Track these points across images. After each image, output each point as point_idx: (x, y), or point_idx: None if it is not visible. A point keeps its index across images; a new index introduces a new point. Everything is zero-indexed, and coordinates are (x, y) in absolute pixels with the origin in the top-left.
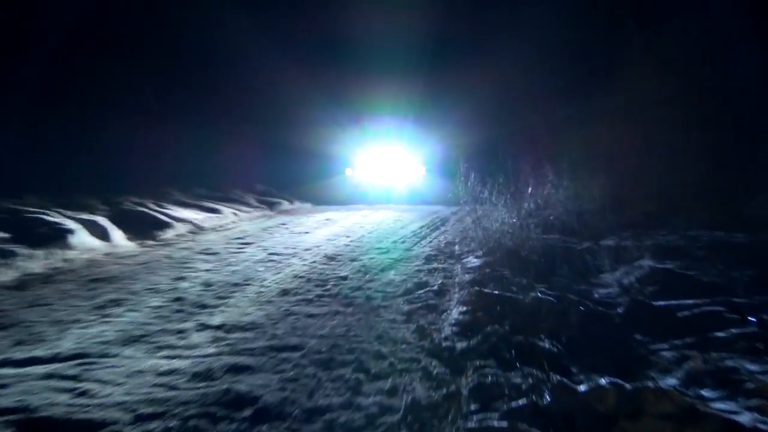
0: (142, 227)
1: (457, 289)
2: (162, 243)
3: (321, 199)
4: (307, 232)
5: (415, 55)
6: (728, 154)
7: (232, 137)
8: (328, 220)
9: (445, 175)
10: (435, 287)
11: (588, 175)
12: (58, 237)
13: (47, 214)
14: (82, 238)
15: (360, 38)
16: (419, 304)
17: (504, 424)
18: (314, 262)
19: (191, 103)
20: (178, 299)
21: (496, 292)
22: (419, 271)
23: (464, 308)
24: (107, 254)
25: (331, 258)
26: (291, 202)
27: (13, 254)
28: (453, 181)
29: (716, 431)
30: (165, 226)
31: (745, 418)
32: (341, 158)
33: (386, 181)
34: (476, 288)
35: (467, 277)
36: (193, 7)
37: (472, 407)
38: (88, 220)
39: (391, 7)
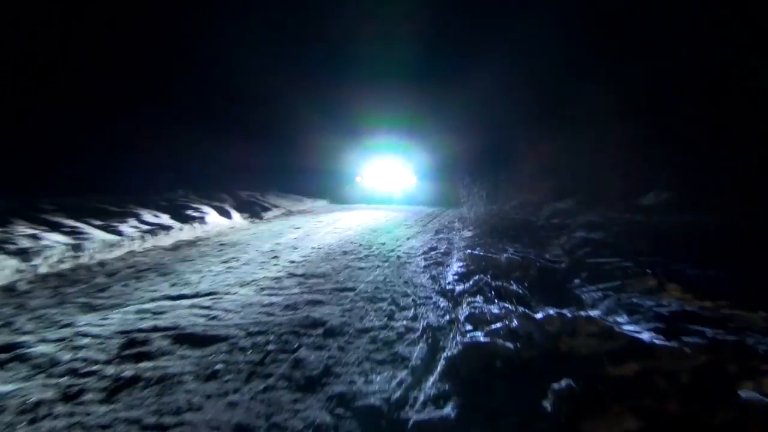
0: (253, 210)
1: (456, 251)
2: (265, 221)
3: (341, 200)
4: (374, 208)
5: (405, 84)
6: (630, 164)
7: (284, 159)
8: (368, 207)
9: (432, 182)
10: (442, 250)
11: (541, 177)
12: (198, 217)
13: (192, 202)
14: (213, 217)
15: (362, 77)
16: (431, 261)
17: (487, 339)
18: (363, 232)
19: (263, 139)
20: (275, 257)
21: (482, 253)
22: (432, 239)
23: (461, 263)
24: (230, 228)
25: (374, 230)
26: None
27: (170, 227)
28: (439, 186)
29: (625, 344)
30: (267, 209)
31: (645, 336)
32: (351, 170)
33: (387, 187)
34: (469, 251)
35: (462, 243)
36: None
37: (466, 328)
38: (218, 206)
39: (387, 46)
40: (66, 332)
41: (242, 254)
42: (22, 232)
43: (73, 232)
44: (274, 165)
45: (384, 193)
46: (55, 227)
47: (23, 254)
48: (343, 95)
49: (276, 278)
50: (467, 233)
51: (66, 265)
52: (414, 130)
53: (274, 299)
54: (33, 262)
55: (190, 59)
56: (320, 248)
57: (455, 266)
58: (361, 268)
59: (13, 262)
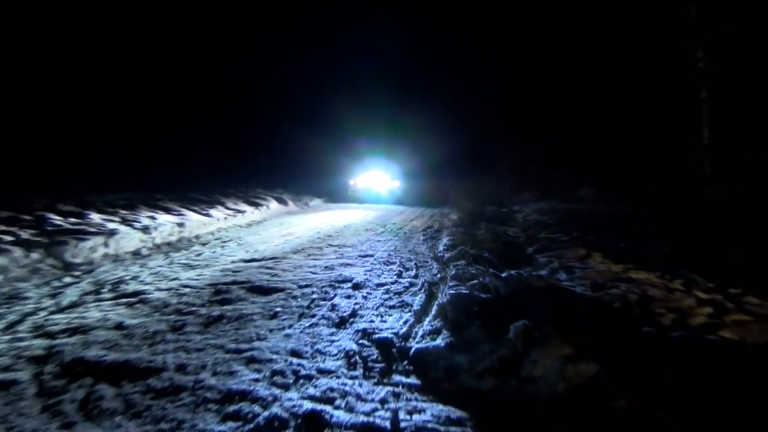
0: (301, 199)
1: (445, 229)
2: (311, 208)
3: (342, 200)
4: (368, 206)
5: (394, 106)
6: (567, 168)
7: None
8: (364, 205)
9: (415, 184)
10: (435, 228)
11: (505, 177)
12: (265, 204)
13: (260, 193)
14: (275, 205)
15: (357, 100)
16: (428, 235)
17: (467, 291)
18: (378, 215)
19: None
20: (318, 232)
21: (463, 230)
22: (428, 220)
23: (449, 238)
24: (287, 212)
25: (387, 212)
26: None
27: (245, 211)
28: (421, 188)
29: (564, 294)
30: (311, 200)
31: (577, 289)
32: (347, 176)
33: (376, 189)
34: (454, 228)
35: (450, 223)
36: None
37: (452, 283)
38: (278, 197)
39: (379, 75)
40: (173, 284)
41: (294, 230)
42: (144, 214)
43: (178, 214)
44: (295, 173)
45: (373, 195)
46: (167, 211)
47: (145, 229)
48: (342, 120)
49: (318, 248)
50: (453, 217)
51: (173, 237)
52: (400, 141)
53: (317, 262)
54: (152, 235)
55: (253, 100)
56: (349, 226)
57: (445, 240)
58: (378, 241)
59: (138, 235)
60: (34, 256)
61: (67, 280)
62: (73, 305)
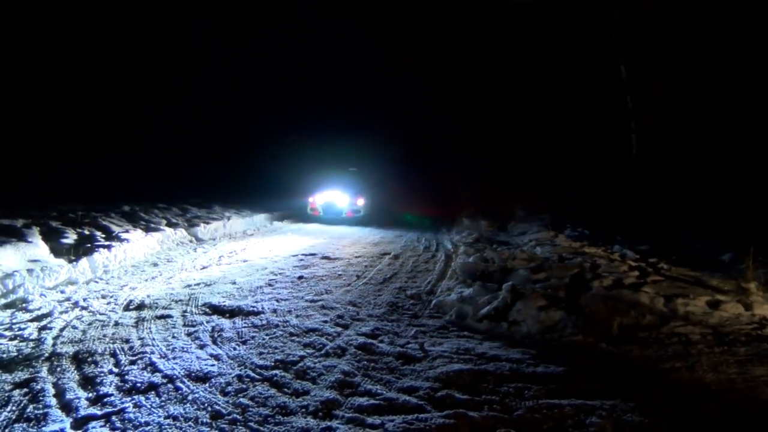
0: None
1: (458, 223)
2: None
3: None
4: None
5: (359, 132)
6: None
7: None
8: (335, 223)
9: (374, 201)
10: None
11: (495, 189)
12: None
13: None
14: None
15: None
16: (448, 224)
17: (471, 260)
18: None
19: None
20: (369, 226)
21: (471, 221)
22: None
23: (459, 227)
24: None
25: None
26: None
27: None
28: (381, 204)
29: (540, 263)
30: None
31: (549, 258)
32: (306, 196)
33: (338, 206)
34: (465, 220)
35: (462, 218)
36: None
37: (462, 256)
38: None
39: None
40: (270, 255)
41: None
42: (248, 208)
43: (269, 209)
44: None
45: (335, 212)
46: (263, 206)
47: (247, 216)
48: (306, 138)
49: (367, 242)
50: (466, 212)
51: (267, 225)
52: (367, 155)
53: (366, 240)
54: (253, 219)
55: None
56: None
57: (456, 228)
58: (408, 226)
59: (244, 220)
60: (179, 233)
61: (200, 250)
62: (203, 267)
